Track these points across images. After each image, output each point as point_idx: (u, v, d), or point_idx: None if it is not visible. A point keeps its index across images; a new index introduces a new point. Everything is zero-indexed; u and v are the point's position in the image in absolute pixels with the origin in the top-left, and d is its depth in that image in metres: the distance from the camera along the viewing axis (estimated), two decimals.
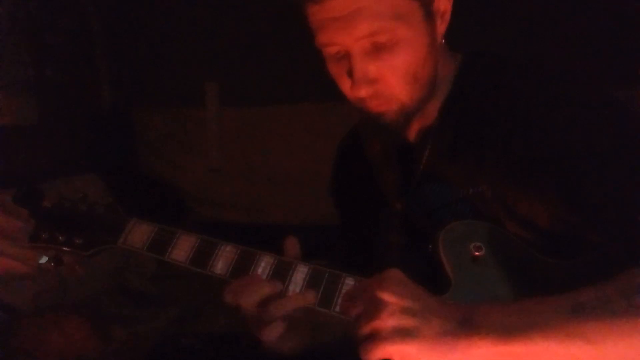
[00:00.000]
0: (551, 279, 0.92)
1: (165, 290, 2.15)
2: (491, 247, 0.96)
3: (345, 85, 0.99)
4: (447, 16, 1.00)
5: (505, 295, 0.92)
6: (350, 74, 0.96)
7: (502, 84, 0.99)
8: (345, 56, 0.96)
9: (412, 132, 1.11)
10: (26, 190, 1.03)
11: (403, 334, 0.74)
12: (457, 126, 1.03)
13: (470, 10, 1.34)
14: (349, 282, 0.93)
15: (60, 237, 1.04)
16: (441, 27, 1.00)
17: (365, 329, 0.77)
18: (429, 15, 0.96)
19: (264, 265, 0.97)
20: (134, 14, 2.42)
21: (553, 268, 0.92)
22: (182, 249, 1.00)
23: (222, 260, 0.98)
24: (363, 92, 0.95)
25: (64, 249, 1.04)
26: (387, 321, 0.75)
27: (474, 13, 1.75)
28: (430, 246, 1.02)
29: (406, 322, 0.75)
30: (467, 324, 0.75)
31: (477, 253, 0.95)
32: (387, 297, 0.76)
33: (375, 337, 0.75)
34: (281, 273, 0.96)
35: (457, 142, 1.03)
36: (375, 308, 0.77)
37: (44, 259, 1.06)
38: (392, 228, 1.17)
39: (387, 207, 1.19)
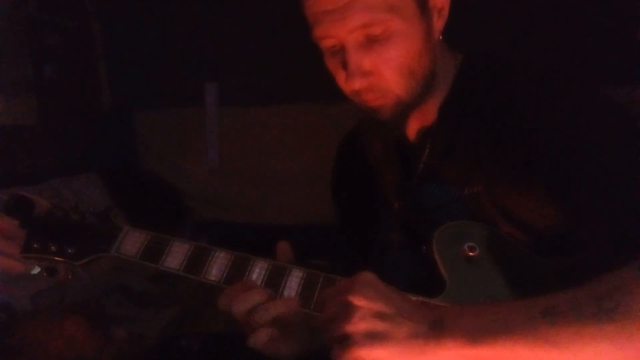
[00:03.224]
0: (545, 279, 0.92)
1: (165, 290, 2.15)
2: (485, 247, 0.96)
3: (341, 78, 0.99)
4: (445, 12, 1.00)
5: (500, 295, 0.92)
6: (345, 66, 0.96)
7: (501, 84, 0.99)
8: (341, 50, 0.96)
9: (412, 132, 1.11)
10: (16, 200, 1.02)
11: (373, 338, 0.74)
12: (456, 126, 1.03)
13: (470, 10, 1.34)
14: None
15: (52, 247, 1.02)
16: (438, 23, 1.00)
17: (336, 333, 0.76)
18: (425, 9, 0.96)
19: (258, 270, 0.97)
20: (134, 14, 2.42)
21: (547, 267, 0.93)
22: (176, 256, 1.00)
23: (216, 267, 0.98)
24: (357, 84, 0.95)
25: (57, 259, 1.02)
26: (358, 325, 0.74)
27: (475, 13, 1.74)
28: (424, 247, 1.02)
29: (377, 326, 0.74)
30: (437, 326, 0.75)
31: (471, 253, 0.95)
32: (358, 300, 0.76)
33: (346, 342, 0.75)
34: (276, 278, 0.96)
35: (455, 142, 1.03)
36: (346, 312, 0.76)
37: (36, 269, 1.05)
38: (391, 228, 1.17)
39: (386, 207, 1.19)
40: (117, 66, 2.55)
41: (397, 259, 1.16)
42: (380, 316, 0.75)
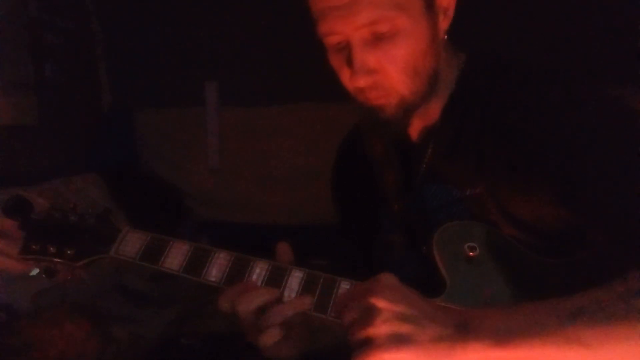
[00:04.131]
0: (546, 278, 0.93)
1: (165, 290, 2.15)
2: (486, 248, 0.96)
3: (345, 76, 0.99)
4: (451, 12, 1.00)
5: (500, 295, 0.92)
6: (350, 63, 0.95)
7: (504, 85, 0.99)
8: (346, 46, 0.96)
9: (415, 132, 1.11)
10: (15, 201, 1.02)
11: (398, 340, 0.73)
12: (459, 126, 1.03)
13: (474, 10, 1.33)
14: (345, 286, 0.93)
15: (51, 249, 1.03)
16: (444, 22, 1.00)
17: (359, 336, 0.76)
18: (431, 8, 0.96)
19: (258, 271, 0.97)
20: (134, 14, 2.42)
21: (548, 267, 0.93)
22: (176, 257, 1.00)
23: (216, 268, 0.98)
24: (362, 82, 0.95)
25: (55, 260, 1.03)
26: (381, 328, 0.74)
27: (479, 13, 1.74)
28: (424, 247, 1.01)
29: (401, 328, 0.74)
30: (463, 329, 0.75)
31: (471, 253, 0.95)
32: (381, 303, 0.76)
33: (369, 344, 0.74)
34: (276, 279, 0.96)
35: (458, 143, 1.03)
36: (369, 315, 0.76)
37: (35, 271, 1.05)
38: (391, 228, 1.17)
39: (386, 207, 1.19)
40: (117, 66, 2.55)
41: (398, 260, 1.16)
42: (404, 318, 0.75)
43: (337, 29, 0.94)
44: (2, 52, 2.07)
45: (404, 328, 0.74)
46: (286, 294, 0.94)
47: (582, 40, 1.88)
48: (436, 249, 0.98)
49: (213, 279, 0.98)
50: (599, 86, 0.96)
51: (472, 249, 0.95)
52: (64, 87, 2.33)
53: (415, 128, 1.11)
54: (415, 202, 1.11)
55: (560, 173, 0.89)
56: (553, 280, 0.91)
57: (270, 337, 0.91)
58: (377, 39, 0.93)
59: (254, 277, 0.96)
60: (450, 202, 1.05)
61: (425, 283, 0.93)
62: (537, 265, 0.94)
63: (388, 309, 0.75)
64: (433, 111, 1.06)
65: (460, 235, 0.98)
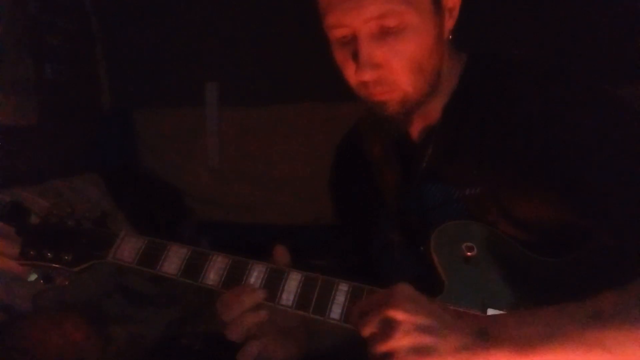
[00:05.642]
0: (544, 277, 0.93)
1: (165, 290, 2.15)
2: (483, 247, 0.96)
3: (349, 70, 0.98)
4: (456, 13, 1.01)
5: (499, 295, 0.92)
6: (355, 57, 0.95)
7: (505, 85, 0.99)
8: (351, 40, 0.95)
9: (415, 131, 1.11)
10: (11, 207, 1.02)
11: (420, 352, 0.74)
12: (460, 126, 1.03)
13: (475, 10, 1.33)
14: (343, 287, 0.93)
15: (48, 254, 1.03)
16: (449, 22, 1.00)
17: (380, 350, 0.76)
18: (438, 7, 0.96)
19: (256, 274, 0.97)
20: (134, 14, 2.42)
21: (547, 267, 0.93)
22: (173, 261, 1.00)
23: (214, 271, 0.98)
24: (367, 75, 0.95)
25: (53, 265, 1.03)
26: (403, 341, 0.74)
27: (479, 13, 1.74)
28: (422, 247, 1.01)
29: (422, 340, 0.74)
30: (483, 336, 0.75)
31: (469, 253, 0.95)
32: (400, 315, 0.76)
33: (391, 358, 0.75)
34: (274, 282, 0.96)
35: (458, 143, 1.03)
36: (389, 327, 0.76)
37: (33, 277, 1.05)
38: (389, 228, 1.17)
39: (385, 207, 1.19)
40: (117, 66, 2.55)
41: (397, 260, 1.15)
42: (424, 329, 0.75)
43: (345, 22, 0.94)
44: (2, 52, 2.06)
45: (425, 340, 0.74)
46: (284, 296, 0.94)
47: (582, 40, 1.88)
48: (434, 248, 0.98)
49: (211, 283, 0.98)
50: (599, 85, 0.96)
51: (469, 248, 0.95)
52: (64, 87, 2.33)
53: (416, 127, 1.10)
54: (414, 202, 1.11)
55: (564, 173, 0.89)
56: (552, 279, 0.91)
57: (246, 354, 0.92)
58: (385, 34, 0.93)
59: (252, 280, 0.96)
60: (449, 201, 1.05)
61: (423, 283, 0.94)
62: (536, 264, 0.94)
63: (407, 321, 0.75)
64: (434, 111, 1.06)
65: (458, 235, 0.98)
